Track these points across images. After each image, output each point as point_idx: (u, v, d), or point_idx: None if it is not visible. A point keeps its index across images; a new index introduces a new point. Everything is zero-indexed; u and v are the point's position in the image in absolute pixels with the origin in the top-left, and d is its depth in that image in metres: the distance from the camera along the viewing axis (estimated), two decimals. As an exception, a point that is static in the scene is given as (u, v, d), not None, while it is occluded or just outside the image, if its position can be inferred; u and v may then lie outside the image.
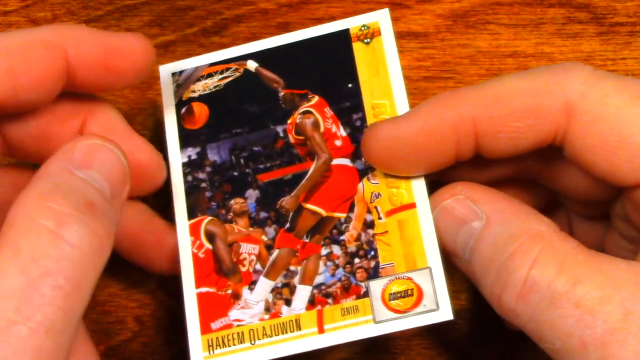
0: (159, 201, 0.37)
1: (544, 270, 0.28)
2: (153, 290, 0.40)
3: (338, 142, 0.35)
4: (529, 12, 0.42)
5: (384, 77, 0.35)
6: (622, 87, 0.30)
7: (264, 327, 0.33)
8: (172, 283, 0.40)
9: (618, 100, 0.30)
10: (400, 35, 0.42)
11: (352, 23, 0.36)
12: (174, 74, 0.37)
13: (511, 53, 0.42)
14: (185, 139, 0.36)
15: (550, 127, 0.31)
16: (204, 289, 0.34)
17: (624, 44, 0.42)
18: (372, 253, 0.33)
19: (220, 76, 0.36)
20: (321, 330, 0.32)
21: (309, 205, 0.34)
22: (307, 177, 0.35)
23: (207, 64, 0.37)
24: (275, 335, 0.33)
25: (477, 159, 0.33)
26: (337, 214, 0.34)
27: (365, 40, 0.35)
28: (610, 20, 0.42)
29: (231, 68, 0.36)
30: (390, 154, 0.32)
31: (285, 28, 0.43)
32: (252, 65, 0.36)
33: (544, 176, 0.34)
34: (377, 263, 0.33)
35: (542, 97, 0.30)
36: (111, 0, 0.44)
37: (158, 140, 0.37)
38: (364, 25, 0.36)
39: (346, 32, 0.36)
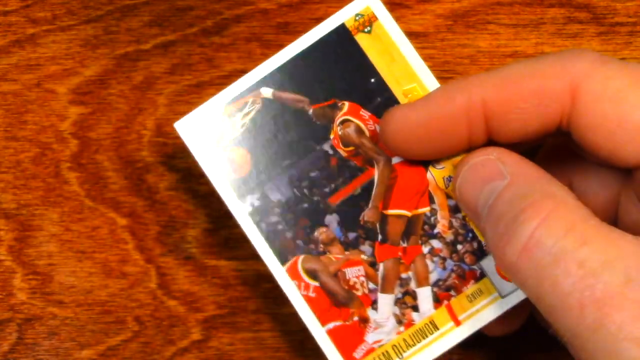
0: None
1: (552, 227, 0.28)
2: (153, 290, 0.40)
3: None
4: (529, 12, 0.42)
5: (402, 61, 0.34)
6: (624, 70, 0.31)
7: (404, 339, 0.33)
8: (172, 282, 0.40)
9: (619, 82, 0.30)
10: (400, 35, 0.42)
11: (344, 16, 0.34)
12: (195, 128, 0.35)
13: (511, 53, 0.42)
14: (240, 189, 0.34)
15: (556, 108, 0.31)
16: (331, 325, 0.34)
17: (624, 44, 0.42)
18: (470, 235, 0.34)
19: (241, 114, 0.35)
20: (457, 323, 0.33)
21: (391, 211, 0.34)
22: (375, 184, 0.34)
23: (223, 105, 0.35)
24: (417, 342, 0.33)
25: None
26: (421, 210, 0.34)
27: (366, 29, 0.34)
28: (610, 20, 0.42)
29: (248, 102, 0.35)
30: (405, 138, 0.33)
31: (285, 28, 0.43)
32: (267, 92, 0.35)
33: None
34: (479, 242, 0.33)
35: (548, 79, 0.31)
36: (111, 0, 0.44)
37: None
38: (357, 15, 0.34)
39: (342, 27, 0.34)
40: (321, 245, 0.34)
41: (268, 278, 0.40)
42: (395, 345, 0.33)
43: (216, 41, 0.43)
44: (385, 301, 0.34)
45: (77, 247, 0.41)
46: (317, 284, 0.34)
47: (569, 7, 0.42)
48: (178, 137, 0.42)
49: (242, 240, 0.41)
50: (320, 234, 0.34)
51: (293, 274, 0.34)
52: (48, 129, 0.42)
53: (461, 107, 0.32)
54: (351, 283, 0.34)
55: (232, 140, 0.34)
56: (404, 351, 0.33)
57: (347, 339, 0.33)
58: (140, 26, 0.43)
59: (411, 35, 0.42)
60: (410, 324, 0.33)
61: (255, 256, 0.40)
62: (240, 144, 0.34)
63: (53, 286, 0.40)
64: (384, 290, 0.34)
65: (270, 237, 0.34)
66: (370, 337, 0.33)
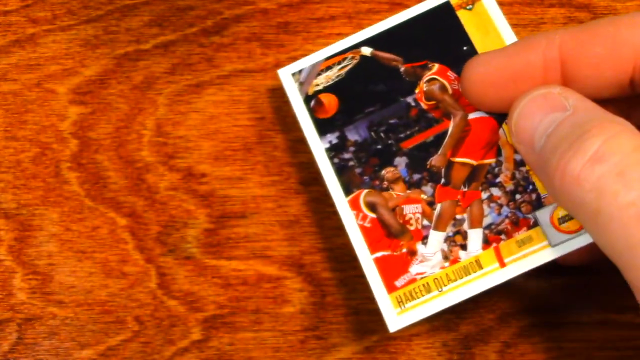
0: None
1: (618, 144, 0.29)
2: (153, 290, 0.40)
3: None
4: (529, 12, 0.42)
5: (495, 35, 0.37)
6: None
7: (447, 274, 0.35)
8: (172, 282, 0.40)
9: None
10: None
11: None
12: (293, 74, 0.39)
13: (511, 53, 0.42)
14: (322, 128, 0.38)
15: (630, 55, 0.32)
16: (379, 254, 0.36)
17: (624, 44, 0.42)
18: (531, 187, 0.35)
19: (339, 66, 0.38)
20: (502, 264, 0.34)
21: (458, 159, 0.36)
22: (448, 135, 0.37)
23: (322, 59, 0.38)
24: (459, 278, 0.35)
25: None
26: (487, 161, 0.36)
27: (468, 7, 0.37)
28: (610, 20, 0.42)
29: (347, 57, 0.38)
30: (483, 84, 0.34)
31: (285, 28, 0.43)
32: (366, 50, 0.38)
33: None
34: (538, 194, 0.35)
35: (623, 27, 0.32)
36: (111, 0, 0.44)
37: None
38: None
39: (447, 4, 0.38)
40: (385, 182, 0.37)
41: (268, 278, 0.40)
42: (437, 279, 0.35)
43: (216, 41, 0.43)
44: (436, 237, 0.36)
45: (77, 247, 0.41)
46: (374, 215, 0.36)
47: (569, 7, 0.42)
48: (178, 137, 0.42)
49: (242, 240, 0.41)
50: (387, 172, 0.37)
51: (354, 205, 0.36)
52: (48, 128, 0.42)
53: (539, 52, 0.33)
54: (407, 218, 0.36)
55: (325, 87, 0.38)
56: (445, 285, 0.35)
57: (392, 268, 0.35)
58: (140, 26, 0.43)
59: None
60: (455, 260, 0.35)
61: (255, 256, 0.40)
62: (330, 90, 0.38)
63: (53, 286, 0.40)
64: (436, 228, 0.36)
65: (340, 171, 0.37)
66: (414, 269, 0.35)
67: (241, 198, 0.41)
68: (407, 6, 0.43)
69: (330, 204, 0.38)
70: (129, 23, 0.43)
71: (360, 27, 0.42)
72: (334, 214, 0.38)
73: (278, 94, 0.42)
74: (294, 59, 0.42)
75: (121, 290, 0.40)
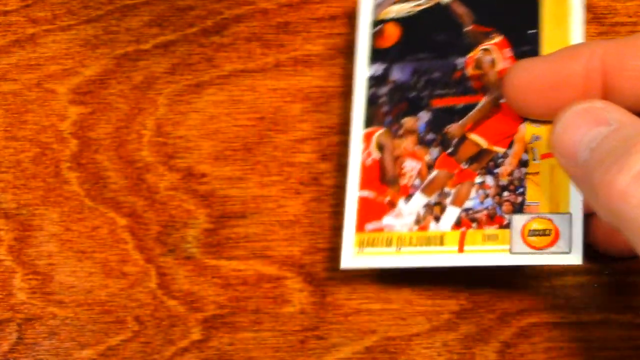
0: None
1: None
2: (153, 290, 0.40)
3: None
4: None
5: (564, 29, 0.37)
6: None
7: (410, 237, 0.36)
8: (172, 282, 0.40)
9: None
10: (400, 35, 0.42)
11: None
12: None
13: (511, 53, 0.42)
14: (374, 55, 0.39)
15: None
16: (365, 193, 0.37)
17: (624, 44, 0.42)
18: (521, 190, 0.35)
19: (415, 3, 0.39)
20: (461, 250, 0.35)
21: (472, 135, 0.37)
22: (476, 109, 0.37)
23: None
24: (419, 245, 0.36)
25: None
26: (496, 148, 0.36)
27: None
28: (610, 20, 0.42)
29: None
30: (524, 89, 0.34)
31: (285, 28, 0.43)
32: None
33: None
34: (524, 200, 0.35)
35: None
36: (111, 0, 0.44)
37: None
38: None
39: None
40: (402, 130, 0.37)
41: (268, 278, 0.40)
42: (400, 237, 0.36)
43: (216, 41, 0.43)
44: (419, 199, 0.36)
45: (77, 247, 0.41)
46: (378, 156, 0.37)
47: (569, 7, 0.42)
48: (178, 137, 0.42)
49: (242, 240, 0.41)
50: (407, 121, 0.38)
51: (366, 139, 0.38)
52: (48, 128, 0.42)
53: (581, 62, 0.33)
54: (403, 171, 0.37)
55: (393, 18, 0.39)
56: (404, 246, 0.36)
57: (369, 211, 0.36)
58: (140, 26, 0.43)
59: (411, 35, 0.42)
60: (424, 228, 0.36)
61: (255, 256, 0.40)
62: (398, 22, 0.39)
63: (53, 286, 0.40)
64: (423, 191, 0.36)
65: (369, 103, 0.38)
66: (387, 220, 0.36)
67: (241, 198, 0.41)
68: (407, 6, 0.43)
69: (330, 204, 0.38)
70: (129, 23, 0.43)
71: (360, 27, 0.42)
72: (334, 213, 0.38)
73: (279, 93, 0.42)
74: (294, 59, 0.42)
75: (121, 290, 0.40)
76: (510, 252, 0.34)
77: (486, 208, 0.35)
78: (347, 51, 0.42)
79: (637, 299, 0.38)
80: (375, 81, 0.38)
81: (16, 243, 0.41)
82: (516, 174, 0.36)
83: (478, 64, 0.38)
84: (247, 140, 0.42)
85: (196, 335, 0.40)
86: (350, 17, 0.43)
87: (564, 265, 0.37)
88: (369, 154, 0.38)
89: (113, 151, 0.42)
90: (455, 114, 0.37)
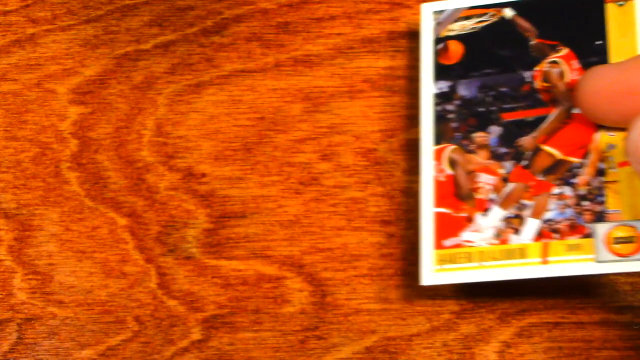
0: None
1: None
2: (153, 290, 0.40)
3: None
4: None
5: (631, 39, 0.37)
6: None
7: (492, 251, 0.36)
8: (172, 282, 0.40)
9: None
10: (400, 35, 0.42)
11: None
12: (434, 12, 0.40)
13: (511, 53, 0.42)
14: (439, 73, 0.39)
15: None
16: (441, 209, 0.37)
17: (624, 44, 0.42)
18: (601, 199, 0.35)
19: (478, 19, 0.39)
20: (545, 262, 0.35)
21: (546, 147, 0.37)
22: (548, 120, 0.37)
23: (467, 6, 0.39)
24: (502, 259, 0.35)
25: None
26: (571, 158, 0.36)
27: (619, 3, 0.38)
28: (610, 20, 0.42)
29: (488, 13, 0.39)
30: (597, 95, 0.35)
31: (286, 28, 0.43)
32: (509, 13, 0.39)
33: None
34: (604, 208, 0.35)
35: None
36: (111, 0, 0.44)
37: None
38: None
39: None
40: (473, 145, 0.38)
41: (268, 278, 0.40)
42: (481, 252, 0.36)
43: (216, 41, 0.43)
44: (497, 213, 0.36)
45: (77, 247, 0.41)
46: (451, 172, 0.37)
47: (569, 7, 0.42)
48: (178, 137, 0.42)
49: (242, 240, 0.41)
50: (478, 136, 0.38)
51: (437, 155, 0.38)
52: (48, 128, 0.42)
53: None
54: (478, 186, 0.37)
55: (456, 35, 0.39)
56: (486, 260, 0.36)
57: (446, 227, 0.37)
58: (140, 26, 0.43)
59: (411, 35, 0.42)
60: (504, 241, 0.36)
61: (255, 256, 0.40)
62: (460, 39, 0.39)
63: (53, 286, 0.40)
64: (501, 205, 0.37)
65: (438, 120, 0.38)
66: (465, 235, 0.36)
67: (241, 198, 0.41)
68: (408, 7, 0.43)
69: (330, 204, 0.38)
70: (129, 23, 0.43)
71: (360, 27, 0.42)
72: (334, 213, 0.38)
73: (279, 93, 0.42)
74: (294, 59, 0.42)
75: (121, 290, 0.40)
76: (596, 260, 0.34)
77: (567, 218, 0.35)
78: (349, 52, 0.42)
79: (637, 299, 0.38)
80: (441, 98, 0.39)
81: (16, 243, 0.41)
82: (594, 183, 0.36)
83: (546, 77, 0.38)
84: (247, 140, 0.42)
85: (196, 335, 0.40)
86: (350, 17, 0.43)
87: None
88: (441, 170, 0.38)
89: (113, 151, 0.42)
90: (526, 127, 0.37)
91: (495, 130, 0.38)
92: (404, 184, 0.40)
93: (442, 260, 0.36)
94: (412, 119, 0.40)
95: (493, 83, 0.38)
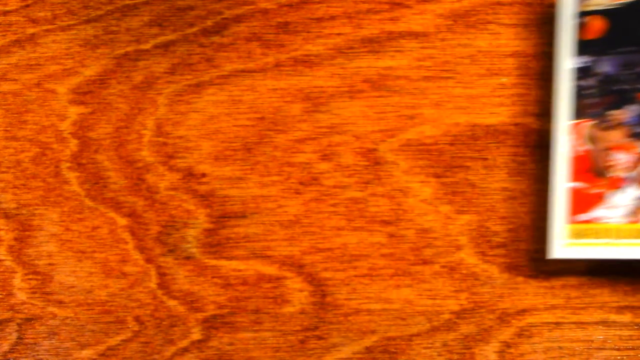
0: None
1: None
2: (153, 290, 0.40)
3: None
4: (529, 12, 0.42)
5: None
6: None
7: (626, 229, 0.36)
8: (172, 282, 0.40)
9: None
10: (400, 35, 0.42)
11: None
12: None
13: (511, 53, 0.42)
14: (578, 48, 0.38)
15: None
16: (576, 184, 0.37)
17: (624, 44, 0.42)
18: None
19: None
20: None
21: None
22: None
23: None
24: (635, 238, 0.36)
25: None
26: None
27: None
28: (610, 20, 0.42)
29: None
30: None
31: (285, 28, 0.43)
32: None
33: None
34: None
35: None
36: (111, 0, 0.44)
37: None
38: None
39: None
40: (610, 122, 0.37)
41: (268, 278, 0.40)
42: (614, 230, 0.36)
43: (216, 41, 0.43)
44: (632, 192, 0.37)
45: (77, 247, 0.41)
46: (588, 147, 0.37)
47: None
48: (178, 137, 0.42)
49: (242, 240, 0.41)
50: (616, 113, 0.37)
51: (576, 130, 0.38)
52: (48, 128, 0.42)
53: None
54: (614, 163, 0.37)
55: (600, 10, 0.38)
56: (619, 238, 0.36)
57: (580, 202, 0.37)
58: (140, 26, 0.43)
59: (411, 35, 0.42)
60: (637, 221, 0.36)
61: (255, 256, 0.40)
62: (604, 14, 0.38)
63: (53, 286, 0.40)
64: (637, 183, 0.37)
65: (577, 95, 0.38)
66: (599, 212, 0.36)
67: (241, 198, 0.41)
68: (407, 6, 0.43)
69: (330, 204, 0.38)
70: (129, 23, 0.43)
71: (360, 27, 0.42)
72: (334, 213, 0.38)
73: (279, 93, 0.42)
74: (294, 59, 0.42)
75: (121, 290, 0.40)
76: None
77: None
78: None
79: (637, 299, 0.38)
80: (580, 73, 0.38)
81: (16, 243, 0.41)
82: None
83: None
84: (247, 140, 0.42)
85: (196, 335, 0.40)
86: (350, 17, 0.43)
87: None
88: (578, 145, 0.37)
89: (113, 151, 0.42)
90: None
91: (634, 110, 0.37)
92: (404, 184, 0.40)
93: (575, 234, 0.36)
94: (413, 118, 0.40)
95: (635, 61, 0.38)
